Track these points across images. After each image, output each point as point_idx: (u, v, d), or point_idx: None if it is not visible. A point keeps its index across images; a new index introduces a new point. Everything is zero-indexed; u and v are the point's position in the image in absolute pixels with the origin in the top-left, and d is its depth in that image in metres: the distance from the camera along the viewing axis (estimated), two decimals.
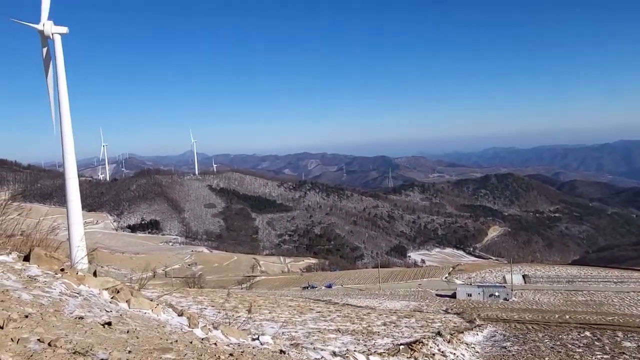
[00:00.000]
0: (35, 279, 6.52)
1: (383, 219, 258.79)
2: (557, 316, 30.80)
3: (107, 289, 7.47)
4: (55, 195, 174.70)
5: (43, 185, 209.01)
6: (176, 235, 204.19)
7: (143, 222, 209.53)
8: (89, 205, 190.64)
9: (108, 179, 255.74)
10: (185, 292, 24.30)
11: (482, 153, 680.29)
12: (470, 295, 61.62)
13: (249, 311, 15.92)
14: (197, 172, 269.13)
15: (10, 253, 7.37)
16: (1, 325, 4.32)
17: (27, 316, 4.67)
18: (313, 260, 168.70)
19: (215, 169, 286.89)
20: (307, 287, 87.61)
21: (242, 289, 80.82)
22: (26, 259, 7.42)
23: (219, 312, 15.13)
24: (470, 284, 76.18)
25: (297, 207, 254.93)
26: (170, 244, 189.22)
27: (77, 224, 27.74)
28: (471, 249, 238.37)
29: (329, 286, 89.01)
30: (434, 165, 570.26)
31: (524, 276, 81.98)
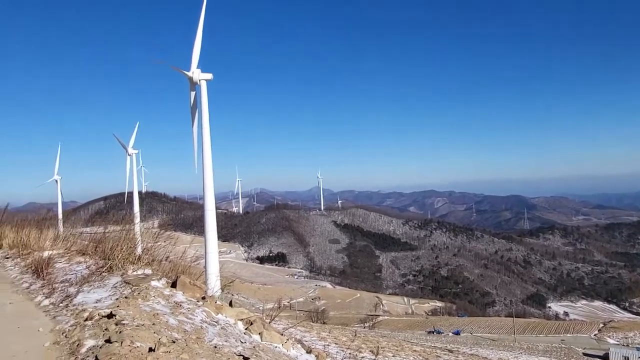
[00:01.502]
0: (180, 305, 7.01)
1: (518, 263, 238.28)
2: None
3: (242, 319, 7.74)
4: (196, 225, 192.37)
5: (186, 215, 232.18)
6: (301, 268, 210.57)
7: (271, 254, 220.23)
8: (223, 235, 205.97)
9: (241, 211, 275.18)
10: (309, 327, 24.62)
11: (638, 194, 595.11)
12: (628, 359, 53.01)
13: (374, 353, 15.42)
14: (322, 208, 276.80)
15: (161, 279, 8.06)
16: (153, 348, 4.64)
17: (174, 341, 4.96)
18: (439, 304, 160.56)
19: (340, 205, 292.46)
20: (433, 332, 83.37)
21: (364, 327, 79.61)
22: (173, 285, 8.06)
23: (343, 351, 14.92)
24: (628, 345, 65.59)
25: (422, 246, 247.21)
26: (296, 277, 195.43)
27: (214, 253, 29.89)
28: (626, 304, 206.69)
29: (457, 333, 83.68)
30: (578, 206, 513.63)
31: None
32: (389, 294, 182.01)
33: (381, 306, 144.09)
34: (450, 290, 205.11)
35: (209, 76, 30.97)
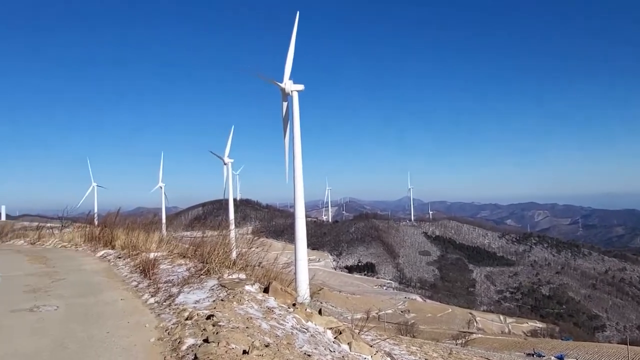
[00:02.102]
0: (272, 311, 7.18)
1: (633, 285, 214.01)
2: None
3: (331, 328, 7.74)
4: (286, 232, 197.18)
5: (277, 223, 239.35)
6: (390, 279, 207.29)
7: (359, 264, 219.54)
8: (312, 243, 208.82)
9: (330, 220, 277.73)
10: (399, 340, 24.03)
11: None
12: None
13: None
14: (412, 218, 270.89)
15: (254, 284, 8.33)
16: (247, 351, 4.77)
17: (267, 345, 5.08)
18: (539, 324, 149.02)
19: (431, 216, 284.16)
20: (533, 355, 77.30)
21: (456, 344, 76.18)
22: (265, 290, 8.29)
23: None
24: None
25: (520, 262, 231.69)
26: (385, 287, 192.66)
27: (303, 260, 30.44)
28: None
29: (560, 358, 76.87)
30: None
31: None
32: (484, 310, 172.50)
33: (475, 323, 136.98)
34: (553, 310, 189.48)
35: (301, 87, 31.90)
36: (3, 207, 64.86)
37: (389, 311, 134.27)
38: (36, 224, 30.11)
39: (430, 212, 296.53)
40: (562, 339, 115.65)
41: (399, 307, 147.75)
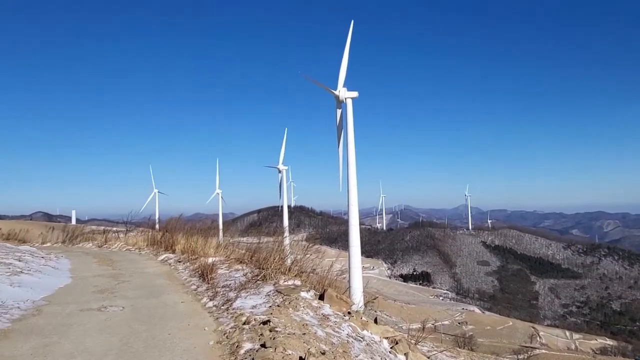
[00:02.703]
0: (327, 318, 7.14)
1: None
2: None
3: (387, 338, 7.60)
4: (340, 240, 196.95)
5: (331, 230, 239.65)
6: (446, 289, 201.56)
7: (415, 273, 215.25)
8: (366, 251, 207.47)
9: (385, 228, 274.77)
10: (456, 352, 23.28)
11: None
12: None
13: None
14: (470, 227, 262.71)
15: (309, 290, 8.33)
16: (303, 357, 4.76)
17: (323, 353, 5.04)
18: (609, 342, 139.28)
19: (490, 225, 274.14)
20: None
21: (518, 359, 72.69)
22: (320, 297, 8.28)
23: None
24: None
25: (588, 274, 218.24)
26: (441, 298, 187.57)
27: (357, 268, 30.23)
28: None
29: None
30: None
31: None
32: (547, 325, 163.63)
33: (538, 338, 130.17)
34: (625, 327, 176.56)
35: (355, 94, 31.92)
36: (73, 212, 69.38)
37: (446, 322, 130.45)
38: (103, 228, 31.97)
39: (490, 221, 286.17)
40: (635, 358, 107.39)
41: (456, 318, 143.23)
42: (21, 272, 11.07)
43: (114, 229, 27.74)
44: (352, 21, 31.91)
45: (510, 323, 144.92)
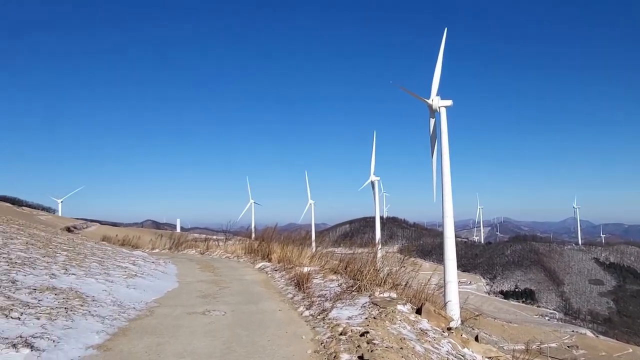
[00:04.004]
0: (426, 333, 6.87)
1: None
2: None
3: (490, 358, 7.14)
4: (435, 252, 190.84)
5: (425, 242, 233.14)
6: (553, 309, 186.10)
7: (517, 290, 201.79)
8: (463, 265, 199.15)
9: (482, 241, 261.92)
10: None
11: None
12: None
13: None
14: (580, 242, 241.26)
15: (406, 304, 8.10)
16: None
17: None
18: None
19: (603, 240, 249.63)
20: None
21: None
22: (418, 311, 8.00)
23: None
24: None
25: None
26: (547, 318, 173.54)
27: (453, 282, 29.03)
28: None
29: None
30: None
31: None
32: None
33: None
34: None
35: (449, 103, 30.96)
36: (178, 220, 74.88)
37: (553, 345, 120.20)
38: (204, 236, 34.07)
39: (603, 236, 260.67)
40: None
41: (565, 341, 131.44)
42: (135, 275, 12.09)
43: (214, 237, 29.40)
44: (446, 29, 31.16)
45: (630, 350, 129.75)
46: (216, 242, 25.18)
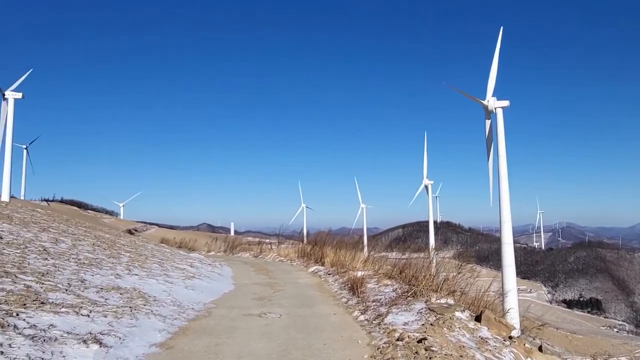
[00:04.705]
0: (486, 342, 6.60)
1: None
2: None
3: None
4: (492, 258, 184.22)
5: (481, 247, 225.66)
6: (622, 320, 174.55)
7: (581, 299, 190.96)
8: (522, 272, 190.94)
9: (543, 247, 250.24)
10: None
11: None
12: None
13: None
14: None
15: (464, 311, 7.83)
16: None
17: None
18: None
19: None
20: None
21: None
22: (477, 319, 7.71)
23: None
24: None
25: None
26: (616, 330, 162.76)
27: (512, 290, 27.86)
28: None
29: None
30: None
31: None
32: None
33: None
34: None
35: (506, 103, 29.81)
36: (232, 224, 76.64)
37: (623, 358, 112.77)
38: (257, 239, 34.69)
39: None
40: None
41: (637, 354, 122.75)
42: (193, 277, 12.47)
43: (267, 240, 29.88)
44: (502, 27, 30.06)
45: None
46: (269, 246, 25.60)
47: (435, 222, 71.57)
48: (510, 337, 7.26)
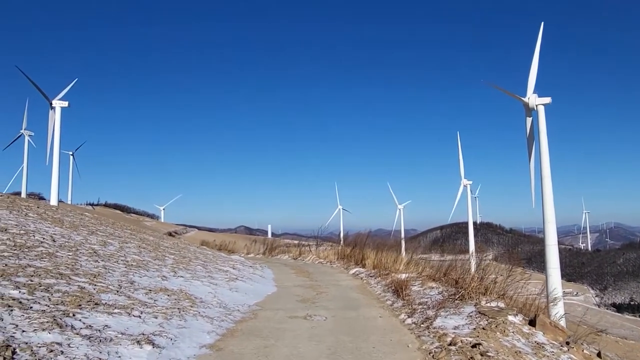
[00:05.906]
0: (542, 347, 6.32)
1: None
2: None
3: None
4: (535, 260, 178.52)
5: (522, 249, 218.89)
6: None
7: (632, 303, 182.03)
8: (568, 274, 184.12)
9: (590, 248, 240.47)
10: None
11: None
12: None
13: None
14: None
15: (517, 315, 7.54)
16: None
17: None
18: None
19: None
20: None
21: None
22: (531, 323, 7.41)
23: None
24: None
25: None
26: None
27: (558, 293, 26.85)
28: None
29: None
30: None
31: None
32: None
33: None
34: None
35: (547, 100, 28.80)
36: (269, 226, 77.30)
37: None
38: (296, 241, 34.80)
39: None
40: None
41: None
42: (236, 279, 12.57)
43: (305, 242, 29.90)
44: (542, 23, 29.09)
45: None
46: (308, 248, 25.58)
47: (474, 223, 70.04)
48: (567, 343, 6.94)
